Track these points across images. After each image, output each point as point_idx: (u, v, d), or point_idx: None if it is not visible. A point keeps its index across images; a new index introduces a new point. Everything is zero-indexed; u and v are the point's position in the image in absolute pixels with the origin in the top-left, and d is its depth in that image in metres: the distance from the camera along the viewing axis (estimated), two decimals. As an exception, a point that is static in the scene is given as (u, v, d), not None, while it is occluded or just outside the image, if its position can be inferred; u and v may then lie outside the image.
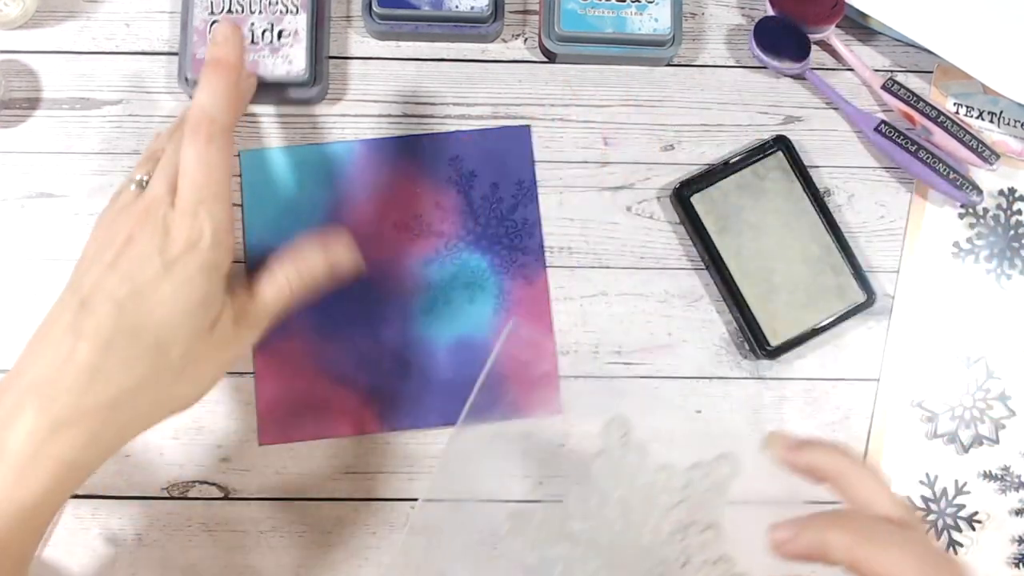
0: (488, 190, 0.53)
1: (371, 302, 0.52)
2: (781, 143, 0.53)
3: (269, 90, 0.52)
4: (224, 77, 0.43)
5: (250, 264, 0.51)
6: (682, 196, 0.52)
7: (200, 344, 0.40)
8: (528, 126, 0.54)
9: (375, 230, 0.52)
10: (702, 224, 0.52)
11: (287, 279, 0.44)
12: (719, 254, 0.52)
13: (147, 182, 0.43)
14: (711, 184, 0.53)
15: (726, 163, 0.53)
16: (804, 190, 0.53)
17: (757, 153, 0.53)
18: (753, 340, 0.52)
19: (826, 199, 0.54)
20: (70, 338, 0.38)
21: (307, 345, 0.51)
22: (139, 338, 0.39)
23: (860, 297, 0.52)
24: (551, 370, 0.52)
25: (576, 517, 0.40)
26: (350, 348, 0.52)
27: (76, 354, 0.38)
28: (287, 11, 0.52)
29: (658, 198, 0.54)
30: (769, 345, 0.51)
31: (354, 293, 0.51)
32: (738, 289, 0.52)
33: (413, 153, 0.53)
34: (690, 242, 0.54)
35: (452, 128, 0.54)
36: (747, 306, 0.52)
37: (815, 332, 0.52)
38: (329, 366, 0.51)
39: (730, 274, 0.52)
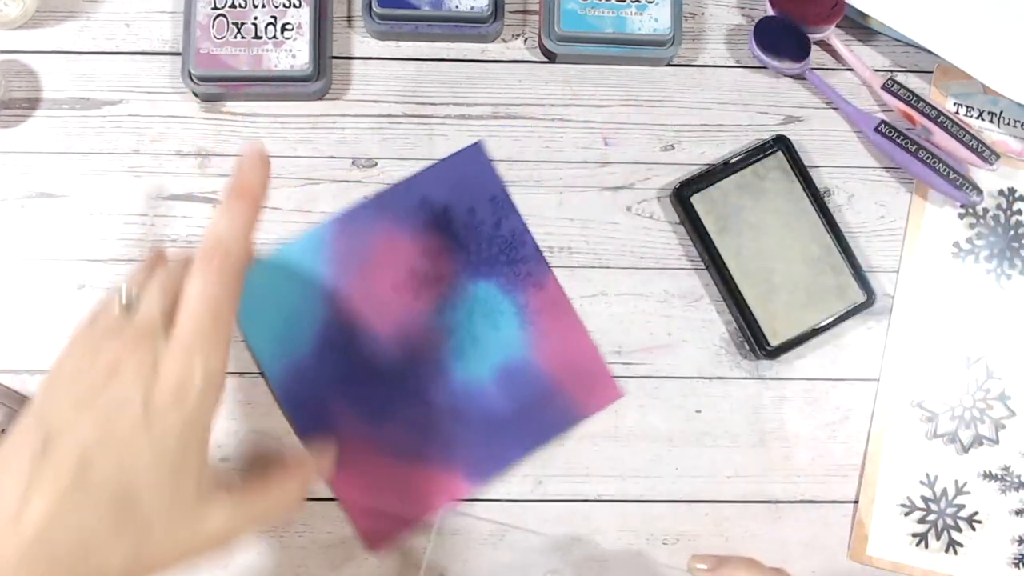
0: (467, 217, 0.52)
1: (403, 371, 0.51)
2: (781, 143, 0.53)
3: (272, 85, 0.52)
4: (247, 208, 0.39)
5: (275, 383, 0.50)
6: (682, 196, 0.52)
7: (168, 519, 0.35)
8: (479, 142, 0.53)
9: (376, 301, 0.51)
10: (702, 224, 0.52)
11: (298, 482, 0.42)
12: (719, 254, 0.52)
13: (137, 300, 0.39)
14: (711, 184, 0.53)
15: (726, 163, 0.53)
16: (804, 190, 0.53)
17: (757, 153, 0.53)
18: (753, 340, 0.52)
19: (826, 199, 0.54)
20: (22, 485, 0.33)
21: (363, 440, 0.50)
22: (99, 499, 0.34)
23: (860, 297, 0.52)
24: (596, 360, 0.52)
25: None
26: (404, 423, 0.50)
27: (26, 512, 0.33)
28: (290, 5, 0.52)
29: (658, 198, 0.54)
30: (769, 345, 0.51)
31: (383, 368, 0.51)
32: (738, 289, 0.52)
33: (381, 213, 0.52)
34: (690, 242, 0.54)
35: (453, 127, 0.54)
36: (747, 306, 0.52)
37: (815, 332, 0.52)
38: (394, 449, 0.50)
39: (730, 274, 0.52)
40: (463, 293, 0.52)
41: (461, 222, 0.52)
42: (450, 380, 0.51)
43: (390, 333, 0.51)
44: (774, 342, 0.51)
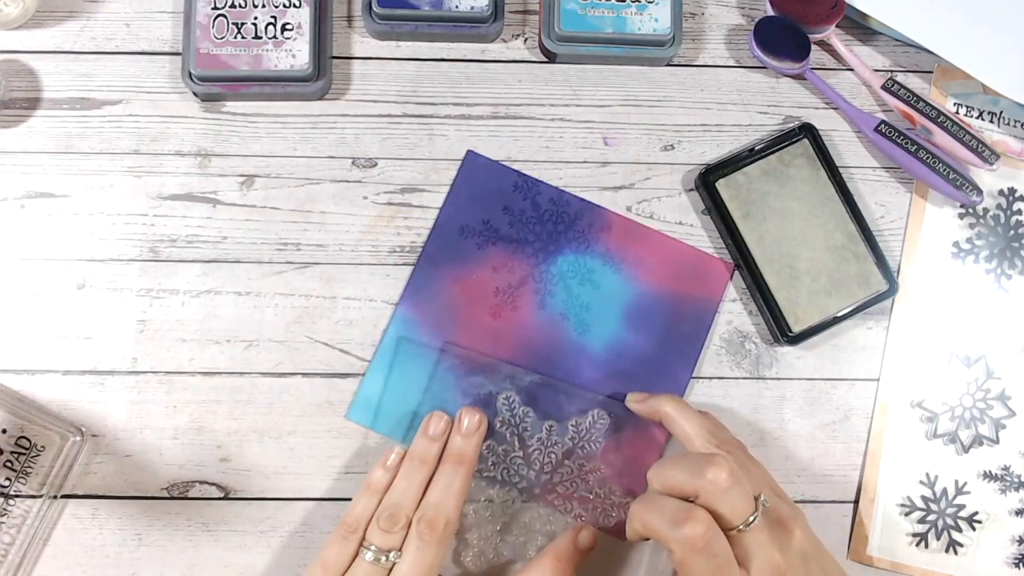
0: (506, 216, 0.53)
1: (552, 375, 0.51)
2: (807, 131, 0.53)
3: (272, 85, 0.52)
4: (464, 475, 0.44)
5: None
6: (707, 180, 0.53)
7: None
8: (469, 150, 0.53)
9: (486, 335, 0.52)
10: (727, 209, 0.52)
11: None
12: (743, 239, 0.52)
13: (379, 553, 0.43)
14: (736, 169, 0.53)
15: (751, 149, 0.53)
16: (829, 178, 0.53)
17: (783, 140, 0.53)
18: (775, 326, 0.52)
19: (826, 199, 0.54)
20: None
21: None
22: None
23: (883, 286, 0.52)
24: (693, 252, 0.53)
25: (488, 466, 0.50)
26: (580, 412, 0.51)
27: None
28: (290, 5, 0.52)
29: (658, 198, 0.54)
30: (791, 331, 0.51)
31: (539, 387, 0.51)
32: (761, 275, 0.52)
33: (436, 264, 0.52)
34: (691, 243, 0.54)
35: (453, 127, 0.54)
36: (770, 292, 0.52)
37: (837, 320, 0.52)
38: None
39: (753, 259, 0.52)
40: (550, 278, 0.52)
41: (505, 222, 0.53)
42: (591, 354, 0.52)
43: (516, 353, 0.52)
44: (796, 328, 0.51)
